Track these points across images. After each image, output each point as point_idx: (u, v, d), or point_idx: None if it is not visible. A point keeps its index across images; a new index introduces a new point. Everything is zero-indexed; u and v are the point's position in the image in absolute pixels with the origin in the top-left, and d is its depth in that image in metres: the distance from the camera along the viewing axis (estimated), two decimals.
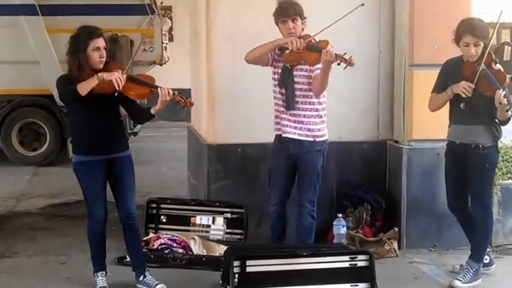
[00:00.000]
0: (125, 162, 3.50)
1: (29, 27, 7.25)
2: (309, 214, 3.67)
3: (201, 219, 4.35)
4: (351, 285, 3.31)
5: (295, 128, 3.63)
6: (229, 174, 4.36)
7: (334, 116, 4.40)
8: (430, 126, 4.22)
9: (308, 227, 3.68)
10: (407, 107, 4.36)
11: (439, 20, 4.13)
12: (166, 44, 7.95)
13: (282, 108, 3.66)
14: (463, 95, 3.51)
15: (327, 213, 4.26)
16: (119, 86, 3.24)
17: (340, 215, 4.13)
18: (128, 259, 3.92)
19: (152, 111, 3.43)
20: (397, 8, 4.45)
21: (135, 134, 7.90)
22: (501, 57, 4.36)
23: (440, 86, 3.73)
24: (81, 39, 3.36)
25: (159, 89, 3.35)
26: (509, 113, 3.44)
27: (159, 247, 4.10)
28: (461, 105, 3.58)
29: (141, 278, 3.61)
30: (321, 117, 3.66)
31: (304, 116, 3.62)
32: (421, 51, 4.27)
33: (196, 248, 4.13)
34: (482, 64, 3.45)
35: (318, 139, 3.64)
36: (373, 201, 4.35)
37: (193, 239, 4.18)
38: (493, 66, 3.45)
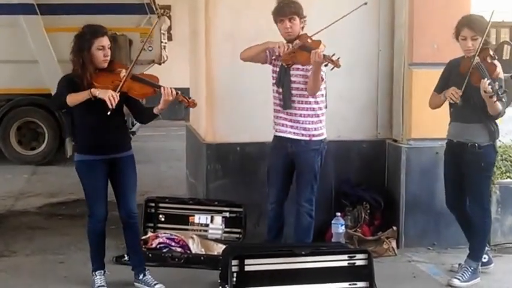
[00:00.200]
0: (127, 162, 3.50)
1: (28, 26, 7.24)
2: (306, 213, 3.67)
3: (200, 218, 4.34)
4: (350, 284, 3.31)
5: (292, 127, 3.64)
6: (228, 173, 4.36)
7: (333, 114, 4.40)
8: (429, 125, 4.22)
9: (306, 226, 3.68)
10: (406, 106, 4.36)
11: (439, 19, 4.14)
12: (165, 43, 7.94)
13: (279, 108, 3.67)
14: (451, 101, 3.55)
15: (326, 212, 4.26)
16: (112, 105, 3.21)
17: (338, 213, 4.13)
18: (126, 258, 3.93)
19: (155, 110, 3.42)
20: (396, 7, 4.45)
21: (133, 133, 7.89)
22: (500, 56, 4.36)
23: (441, 86, 3.74)
24: (85, 38, 3.35)
25: (162, 88, 3.34)
26: (499, 106, 3.44)
27: (158, 246, 4.10)
28: (459, 101, 3.58)
29: (140, 277, 3.61)
30: (317, 116, 3.66)
31: (301, 115, 3.62)
32: (421, 50, 4.27)
33: (195, 247, 4.13)
34: (477, 57, 3.47)
35: (314, 138, 3.64)
36: (371, 200, 4.35)
37: (192, 238, 4.18)
38: (488, 60, 3.46)
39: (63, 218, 5.19)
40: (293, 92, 3.61)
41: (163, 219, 4.38)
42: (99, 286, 3.54)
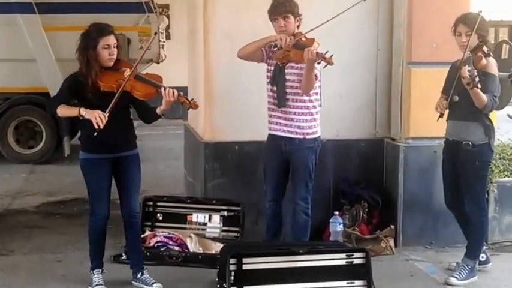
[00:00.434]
0: (132, 161, 3.50)
1: (26, 25, 7.22)
2: (302, 211, 3.68)
3: (198, 217, 4.35)
4: (347, 283, 3.31)
5: (286, 125, 3.65)
6: (226, 172, 4.36)
7: (331, 113, 4.41)
8: (427, 124, 4.21)
9: (302, 225, 3.69)
10: (405, 105, 4.37)
11: (437, 18, 4.14)
12: (164, 42, 7.94)
13: (273, 106, 3.68)
14: (437, 111, 3.62)
15: (324, 211, 4.26)
16: (99, 126, 3.19)
17: (336, 212, 4.14)
18: (124, 257, 3.94)
19: (158, 111, 3.42)
20: (395, 6, 4.45)
21: None
22: (499, 56, 4.36)
23: (444, 87, 3.76)
24: (91, 36, 3.34)
25: (163, 89, 3.33)
26: (484, 97, 3.45)
27: (156, 245, 4.10)
28: (455, 97, 3.61)
29: (138, 276, 3.61)
30: (311, 114, 3.66)
31: (295, 113, 3.63)
32: (419, 49, 4.27)
33: (193, 245, 4.12)
34: (469, 53, 3.50)
35: (308, 136, 3.65)
36: (369, 198, 4.35)
37: (190, 236, 4.18)
38: (478, 54, 3.48)
39: (60, 217, 5.18)
40: (287, 90, 3.62)
41: (161, 218, 4.38)
42: (97, 285, 3.53)
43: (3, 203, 5.62)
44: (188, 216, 4.36)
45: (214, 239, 4.22)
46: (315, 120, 3.68)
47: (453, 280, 3.71)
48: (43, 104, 7.46)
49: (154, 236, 4.18)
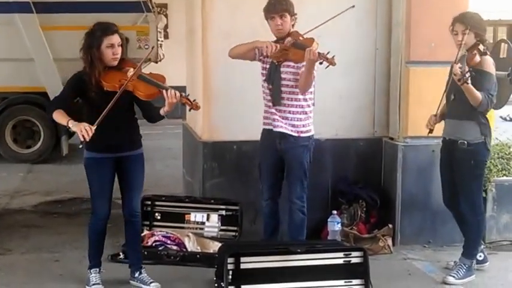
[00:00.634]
0: (136, 161, 3.50)
1: (24, 24, 7.21)
2: (298, 210, 3.68)
3: (196, 217, 4.34)
4: (345, 282, 3.31)
5: (281, 122, 3.65)
6: (224, 171, 4.35)
7: (330, 113, 4.42)
8: (425, 123, 4.20)
9: (299, 223, 3.69)
10: (403, 104, 4.37)
11: (436, 18, 4.14)
12: (162, 41, 7.93)
13: (268, 104, 3.68)
14: (427, 127, 3.71)
15: (322, 210, 4.27)
16: (85, 139, 3.17)
17: (335, 211, 4.14)
18: (122, 256, 3.93)
19: (161, 112, 3.41)
20: (393, 6, 4.46)
21: None
22: (497, 55, 4.36)
23: (445, 88, 3.76)
24: (95, 36, 3.33)
25: (164, 90, 3.32)
26: (478, 95, 3.46)
27: (153, 244, 4.10)
28: (451, 96, 3.63)
29: (136, 275, 3.61)
30: (306, 113, 3.67)
31: (290, 112, 3.64)
32: (418, 49, 4.27)
33: (191, 245, 4.12)
34: (465, 51, 3.51)
35: (302, 135, 3.66)
36: (368, 198, 4.35)
37: (188, 236, 4.18)
38: (473, 52, 3.49)
39: (58, 217, 5.17)
40: (283, 89, 3.63)
41: (159, 217, 4.38)
42: (94, 284, 3.53)
43: (1, 203, 5.61)
44: (186, 216, 4.36)
45: (212, 238, 4.22)
46: (309, 118, 3.69)
47: (451, 279, 3.71)
48: (41, 104, 7.47)
49: (152, 235, 4.17)
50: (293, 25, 3.67)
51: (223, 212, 4.30)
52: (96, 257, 3.57)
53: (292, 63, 3.60)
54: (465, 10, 4.05)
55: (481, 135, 3.64)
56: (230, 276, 3.22)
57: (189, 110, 3.47)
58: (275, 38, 3.67)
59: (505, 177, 4.45)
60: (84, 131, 3.17)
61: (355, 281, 3.31)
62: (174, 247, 4.08)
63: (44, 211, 5.35)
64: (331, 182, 4.44)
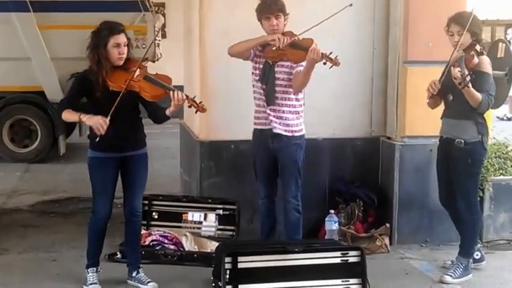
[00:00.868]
0: (139, 160, 3.50)
1: (21, 23, 7.20)
2: (294, 209, 3.69)
3: (193, 216, 4.34)
4: (342, 281, 3.31)
5: (275, 122, 3.65)
6: (222, 171, 4.35)
7: (327, 112, 4.42)
8: (422, 122, 4.24)
9: (295, 222, 3.70)
10: (400, 104, 4.37)
11: (433, 17, 4.14)
12: (159, 40, 7.92)
13: (262, 103, 3.68)
14: (428, 92, 3.62)
15: (320, 210, 4.27)
16: (101, 132, 3.20)
17: (332, 211, 4.14)
18: (119, 256, 3.93)
19: (167, 112, 3.41)
20: (391, 5, 4.46)
21: None
22: (495, 54, 4.37)
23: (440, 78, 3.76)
24: (102, 35, 3.33)
25: (171, 92, 3.32)
26: (478, 96, 3.46)
27: (151, 243, 4.09)
28: (448, 96, 3.64)
29: (133, 274, 3.61)
30: (298, 113, 3.69)
31: (283, 111, 3.65)
32: (415, 48, 4.28)
33: (188, 244, 4.12)
34: (462, 51, 3.52)
35: (295, 134, 3.68)
36: (365, 197, 4.36)
37: (185, 235, 4.18)
38: (471, 53, 3.50)
39: (55, 216, 5.17)
40: (277, 88, 3.64)
41: (156, 216, 4.38)
42: (91, 283, 3.53)
43: None
44: (184, 215, 4.36)
45: (210, 238, 4.22)
46: (300, 118, 3.72)
47: (448, 278, 3.72)
48: (38, 103, 7.47)
49: (150, 234, 4.17)
50: (285, 25, 3.68)
51: (221, 212, 4.30)
52: (94, 256, 3.56)
53: (286, 63, 3.61)
54: (463, 10, 4.05)
55: (478, 134, 3.64)
56: (227, 276, 3.22)
57: (195, 112, 3.45)
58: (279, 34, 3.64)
59: (502, 177, 4.46)
60: (99, 124, 3.18)
61: (352, 280, 3.31)
62: (172, 246, 4.07)
63: (41, 210, 5.34)
64: (329, 182, 4.44)
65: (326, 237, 4.07)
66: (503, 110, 9.96)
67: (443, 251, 4.23)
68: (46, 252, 4.20)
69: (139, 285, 3.58)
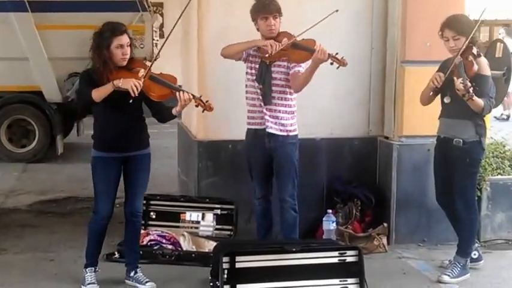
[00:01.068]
0: (142, 160, 3.51)
1: (19, 23, 7.18)
2: (291, 208, 3.69)
3: (191, 216, 4.34)
4: (340, 281, 3.31)
5: (271, 122, 3.66)
6: (220, 170, 4.35)
7: (325, 112, 4.43)
8: (420, 122, 4.24)
9: (292, 222, 3.70)
10: (398, 104, 4.38)
11: (432, 17, 4.13)
12: (157, 40, 7.91)
13: (258, 103, 3.68)
14: (432, 84, 3.60)
15: (317, 209, 4.27)
16: (134, 93, 3.22)
17: (330, 210, 4.14)
18: (117, 255, 3.93)
19: (174, 112, 3.42)
20: (389, 5, 4.46)
21: None
22: (493, 54, 4.38)
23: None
24: (104, 36, 3.33)
25: (178, 92, 3.33)
26: (480, 102, 3.47)
27: (149, 243, 4.09)
28: (446, 98, 3.65)
29: (131, 274, 3.61)
30: (293, 113, 3.71)
31: (280, 111, 3.66)
32: (413, 48, 4.28)
33: (186, 244, 4.12)
34: (459, 56, 3.52)
35: (290, 133, 3.69)
36: (363, 197, 4.36)
37: (183, 235, 4.18)
38: (469, 58, 3.50)
39: (53, 216, 5.16)
40: (273, 88, 3.65)
41: (154, 216, 4.38)
42: (89, 283, 3.52)
43: None
44: (181, 215, 4.36)
45: (208, 238, 4.22)
46: (294, 117, 3.73)
47: (445, 278, 3.72)
48: (36, 103, 7.45)
49: (148, 234, 4.17)
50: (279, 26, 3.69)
51: (219, 211, 4.30)
52: (93, 256, 3.56)
53: (283, 63, 3.63)
54: (461, 10, 4.06)
55: (476, 134, 3.65)
56: (225, 276, 3.22)
57: (202, 111, 3.44)
58: (265, 40, 3.66)
59: (499, 176, 4.47)
60: (134, 86, 3.21)
61: (350, 280, 3.31)
62: (169, 246, 4.07)
63: (39, 210, 5.33)
64: (326, 181, 4.44)
65: (324, 237, 4.06)
66: (499, 109, 9.98)
67: (441, 250, 4.23)
68: (44, 252, 4.19)
69: (138, 285, 3.58)
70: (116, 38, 3.32)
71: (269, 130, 3.65)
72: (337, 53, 3.46)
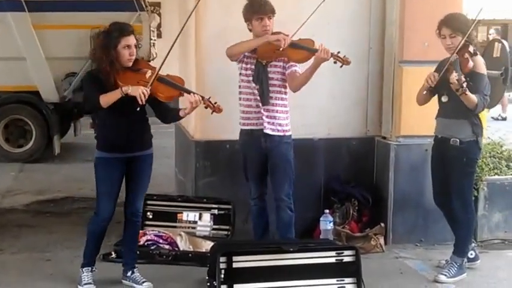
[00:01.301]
0: (145, 161, 3.50)
1: (16, 23, 7.16)
2: (287, 207, 3.70)
3: (188, 216, 4.34)
4: (337, 280, 3.31)
5: (268, 122, 3.67)
6: (217, 170, 4.35)
7: (323, 112, 4.43)
8: (418, 122, 4.24)
9: (288, 221, 3.71)
10: (396, 104, 4.38)
11: (430, 17, 4.13)
12: (155, 40, 7.91)
13: (254, 103, 3.68)
14: (426, 84, 3.61)
15: (315, 209, 4.27)
16: (142, 101, 3.21)
17: (327, 210, 4.14)
18: (114, 255, 3.92)
19: (181, 113, 3.41)
20: (387, 4, 4.46)
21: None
22: (491, 54, 4.38)
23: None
24: (112, 36, 3.32)
25: (189, 95, 3.32)
26: (473, 98, 3.48)
27: (145, 243, 4.09)
28: (443, 97, 3.66)
29: (128, 274, 3.60)
30: (287, 112, 3.73)
31: (277, 111, 3.68)
32: (411, 48, 4.28)
33: (183, 244, 4.12)
34: (455, 55, 3.52)
35: (286, 133, 3.71)
36: (360, 197, 4.36)
37: (180, 235, 4.17)
38: (465, 55, 3.51)
39: (50, 216, 5.15)
40: (270, 88, 3.65)
41: (151, 216, 4.37)
42: (86, 283, 3.52)
43: None
44: (178, 215, 4.35)
45: (205, 238, 4.21)
46: (289, 117, 3.75)
47: (442, 277, 3.72)
48: (33, 103, 7.43)
49: (145, 234, 4.16)
50: None
51: (216, 211, 4.29)
52: (91, 256, 3.56)
53: (279, 63, 3.64)
54: (459, 9, 4.06)
55: (472, 134, 3.66)
56: (222, 275, 3.22)
57: (211, 113, 3.42)
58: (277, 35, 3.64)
59: (496, 176, 4.47)
60: (142, 94, 3.20)
61: (347, 280, 3.31)
62: (166, 246, 4.07)
63: (36, 210, 5.32)
64: (324, 181, 4.44)
65: (321, 236, 4.07)
66: (497, 110, 9.99)
67: (437, 250, 4.24)
68: (41, 252, 4.18)
69: (135, 285, 3.57)
70: (124, 39, 3.31)
71: (266, 131, 3.65)
72: (339, 52, 3.46)
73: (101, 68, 3.35)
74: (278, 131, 3.67)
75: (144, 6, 7.46)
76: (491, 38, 10.85)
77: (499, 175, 4.49)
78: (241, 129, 3.78)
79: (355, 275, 3.31)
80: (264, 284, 3.28)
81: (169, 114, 3.49)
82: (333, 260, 3.33)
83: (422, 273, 3.89)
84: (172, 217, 4.35)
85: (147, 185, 3.58)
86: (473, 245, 3.97)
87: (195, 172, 4.38)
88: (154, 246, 4.05)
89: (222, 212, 4.28)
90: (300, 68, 3.67)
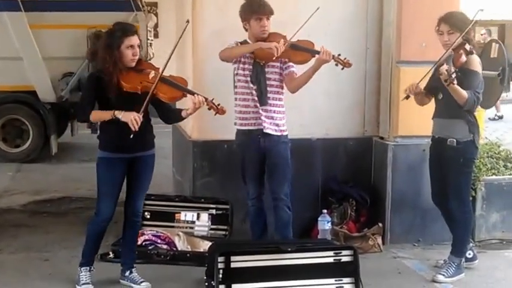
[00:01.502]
0: (147, 161, 3.50)
1: (12, 23, 7.15)
2: (286, 206, 3.70)
3: (186, 216, 4.34)
4: (335, 280, 3.31)
5: (266, 122, 3.67)
6: (215, 170, 4.35)
7: (320, 112, 4.43)
8: (415, 122, 4.25)
9: (287, 220, 3.71)
10: (394, 104, 4.38)
11: (427, 17, 4.14)
12: (152, 40, 7.90)
13: (252, 104, 3.68)
14: (405, 93, 3.65)
15: (313, 209, 4.28)
16: (135, 128, 3.20)
17: (325, 210, 4.14)
18: (111, 255, 3.91)
19: (183, 114, 3.40)
20: (385, 5, 4.47)
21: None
22: (488, 54, 4.39)
23: (427, 84, 3.78)
24: (115, 36, 3.31)
25: (192, 95, 3.32)
26: (464, 93, 3.48)
27: (143, 243, 4.08)
28: (439, 95, 3.66)
29: (126, 274, 3.60)
30: (284, 112, 3.75)
31: (274, 111, 3.69)
32: (408, 48, 4.29)
33: (181, 244, 4.11)
34: (450, 51, 3.54)
35: (284, 133, 3.72)
36: (358, 196, 4.37)
37: (178, 235, 4.17)
38: (460, 52, 3.52)
39: (47, 216, 5.14)
40: (268, 88, 3.66)
41: (149, 216, 4.36)
42: (84, 283, 3.51)
43: None
44: (176, 215, 4.35)
45: (203, 237, 4.21)
46: (285, 117, 3.76)
47: (440, 277, 3.73)
48: (30, 103, 7.42)
49: (142, 234, 4.15)
50: None
51: (214, 211, 4.29)
52: (90, 256, 3.55)
53: (276, 64, 3.65)
54: (457, 10, 4.07)
55: (469, 134, 3.66)
56: (220, 275, 3.21)
57: (215, 114, 3.40)
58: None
59: (494, 176, 4.48)
60: (134, 120, 3.20)
61: (345, 280, 3.31)
62: (164, 246, 4.06)
63: (33, 210, 5.31)
64: (322, 181, 4.45)
65: (319, 236, 4.07)
66: (492, 110, 10.03)
67: (435, 250, 4.24)
68: (38, 252, 4.17)
69: (133, 285, 3.57)
70: (127, 39, 3.30)
71: (266, 130, 3.65)
72: (339, 54, 3.48)
73: (104, 68, 3.34)
74: (276, 130, 3.68)
75: (140, 6, 7.45)
76: (482, 37, 10.93)
77: (496, 175, 4.50)
78: (238, 130, 3.77)
79: (353, 275, 3.31)
80: (262, 284, 3.27)
81: (172, 114, 3.49)
82: (331, 260, 3.33)
83: (420, 273, 3.90)
84: (170, 217, 4.35)
85: (148, 186, 3.58)
86: (471, 245, 3.98)
87: (192, 172, 4.38)
88: (153, 246, 4.05)
89: (220, 212, 4.28)
90: (297, 69, 3.68)
